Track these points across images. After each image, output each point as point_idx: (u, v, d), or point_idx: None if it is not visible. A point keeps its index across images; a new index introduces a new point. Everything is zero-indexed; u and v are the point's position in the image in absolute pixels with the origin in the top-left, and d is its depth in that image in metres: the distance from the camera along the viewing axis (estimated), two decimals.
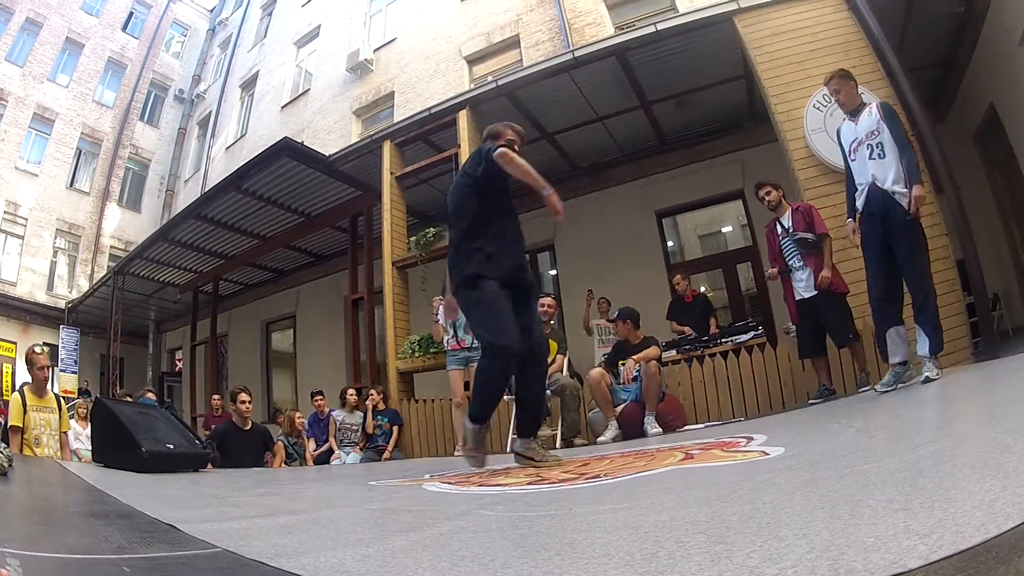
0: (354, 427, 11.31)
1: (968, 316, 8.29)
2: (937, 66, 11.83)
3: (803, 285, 7.60)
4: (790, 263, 7.74)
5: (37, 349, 7.67)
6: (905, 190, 5.88)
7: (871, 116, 6.21)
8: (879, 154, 6.04)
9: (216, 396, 14.54)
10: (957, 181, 8.59)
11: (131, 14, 31.12)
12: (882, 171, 6.00)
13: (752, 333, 9.31)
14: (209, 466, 7.40)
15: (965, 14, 10.51)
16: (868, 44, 9.22)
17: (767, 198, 7.94)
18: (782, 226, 7.83)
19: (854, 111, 6.41)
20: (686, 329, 10.31)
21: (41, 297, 25.24)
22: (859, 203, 6.20)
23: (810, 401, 7.52)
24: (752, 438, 4.39)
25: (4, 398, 17.02)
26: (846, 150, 6.44)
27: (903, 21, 9.74)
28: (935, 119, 9.14)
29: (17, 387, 7.88)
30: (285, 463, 10.53)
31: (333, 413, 11.75)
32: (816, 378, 7.70)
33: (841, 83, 6.45)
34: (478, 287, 4.82)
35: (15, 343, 23.65)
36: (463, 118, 11.93)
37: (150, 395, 12.50)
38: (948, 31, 11.39)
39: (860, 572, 1.09)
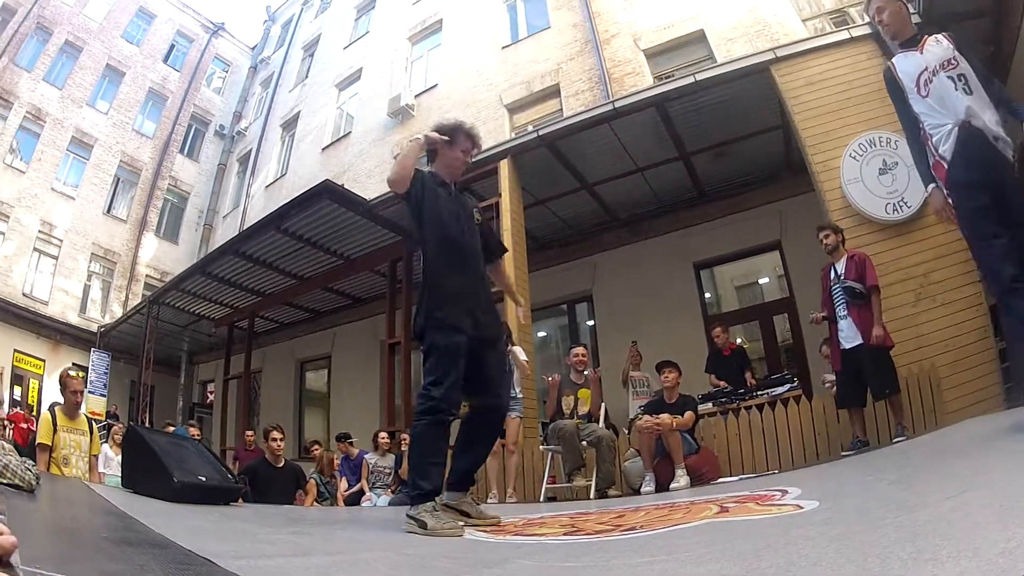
0: (386, 470, 11.34)
1: (1000, 362, 8.18)
2: None
3: (845, 335, 7.57)
4: (837, 310, 7.70)
5: (72, 372, 7.69)
6: (1009, 139, 4.38)
7: (940, 44, 4.59)
8: (965, 88, 4.45)
9: (250, 432, 14.50)
10: None
11: (172, 46, 31.69)
12: (979, 106, 4.38)
13: (788, 385, 9.27)
14: (240, 501, 7.39)
15: (995, 54, 10.47)
16: None
17: (825, 241, 7.91)
18: (835, 272, 7.78)
19: (908, 41, 4.77)
20: (723, 384, 10.30)
21: (73, 318, 25.47)
22: (944, 149, 4.46)
23: (843, 453, 7.48)
24: (787, 491, 4.37)
25: (32, 413, 17.15)
26: (910, 86, 4.66)
27: None
28: None
29: (48, 406, 7.90)
30: (316, 502, 10.52)
31: (365, 456, 11.80)
32: (851, 429, 7.63)
33: (887, 1, 4.75)
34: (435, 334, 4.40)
35: (44, 360, 23.88)
36: (504, 167, 11.98)
37: (192, 430, 12.56)
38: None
39: None
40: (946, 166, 4.44)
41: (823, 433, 8.32)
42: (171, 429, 12.51)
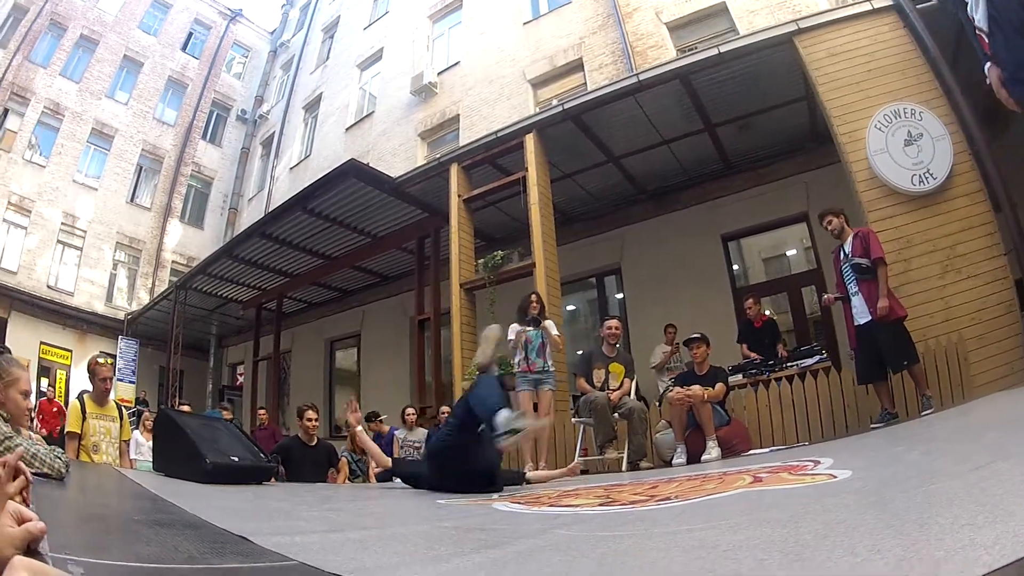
0: (416, 444, 11.41)
1: None
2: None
3: (857, 311, 7.60)
4: (848, 288, 7.73)
5: (100, 359, 7.55)
6: None
7: None
8: None
9: (262, 409, 14.41)
10: (1015, 199, 8.48)
11: (190, 35, 31.79)
12: None
13: (817, 357, 9.25)
14: (272, 480, 7.39)
15: None
16: (925, 62, 9.18)
17: (829, 227, 7.95)
18: (844, 252, 7.80)
19: None
20: (754, 355, 10.31)
21: (99, 308, 25.80)
22: (979, 17, 4.02)
23: (872, 425, 7.48)
24: (819, 462, 4.37)
25: (60, 402, 17.26)
26: None
27: (956, 37, 9.66)
28: (992, 136, 9.00)
29: (77, 394, 7.88)
30: (348, 479, 10.58)
31: (396, 432, 11.87)
32: (879, 402, 7.65)
33: None
34: None
35: (71, 351, 24.24)
36: (530, 141, 11.98)
37: (225, 413, 12.63)
38: None
39: None
40: (986, 39, 4.02)
41: (852, 405, 8.32)
42: (186, 408, 12.55)
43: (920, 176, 8.69)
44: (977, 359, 7.74)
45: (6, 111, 24.99)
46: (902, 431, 6.25)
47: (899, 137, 8.85)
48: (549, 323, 8.89)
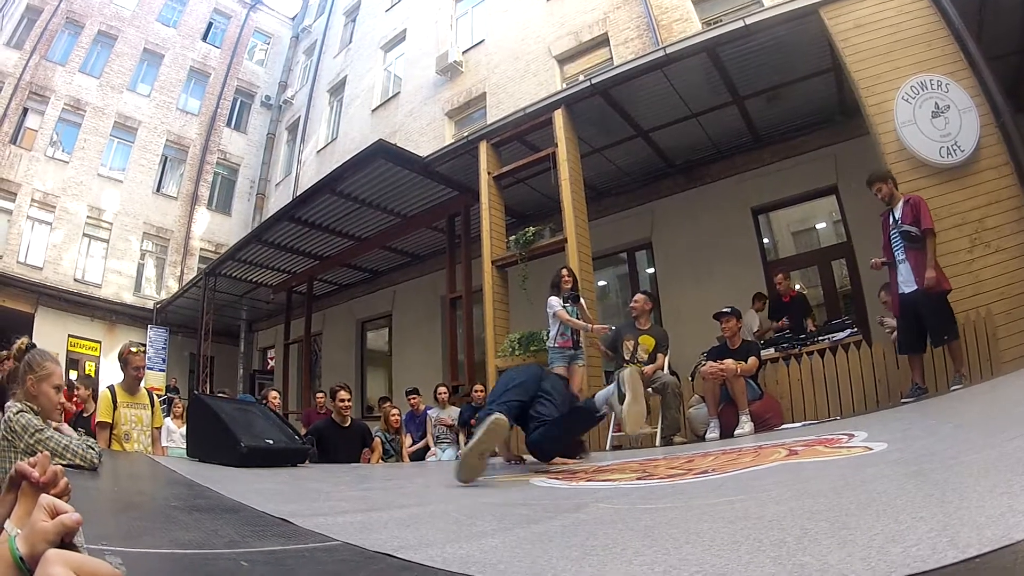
0: (448, 420, 11.52)
1: None
2: (1016, 54, 11.51)
3: (903, 279, 7.53)
4: (896, 255, 7.66)
5: (134, 349, 7.51)
6: None
7: None
8: None
9: (320, 393, 14.18)
10: None
11: (210, 24, 32.00)
12: None
13: (848, 331, 9.26)
14: (307, 462, 7.42)
15: None
16: (949, 34, 9.00)
17: (879, 195, 7.87)
18: (893, 217, 7.73)
19: None
20: (781, 323, 10.33)
21: (128, 298, 26.22)
22: None
23: (903, 400, 7.45)
24: (853, 435, 4.40)
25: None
26: None
27: (979, 9, 9.54)
28: (1017, 108, 8.91)
29: (107, 385, 7.85)
30: (382, 459, 10.63)
31: (429, 412, 11.97)
32: (909, 377, 7.63)
33: None
34: None
35: (100, 342, 24.74)
36: (559, 117, 11.93)
37: (272, 397, 12.72)
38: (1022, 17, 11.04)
39: (976, 546, 1.24)
40: None
41: (883, 380, 8.31)
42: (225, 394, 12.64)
43: (948, 148, 8.60)
44: (1005, 334, 7.68)
45: (26, 110, 25.35)
46: (932, 406, 6.26)
47: (926, 109, 8.77)
48: (582, 301, 8.93)
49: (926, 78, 8.89)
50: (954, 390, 6.98)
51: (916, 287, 7.34)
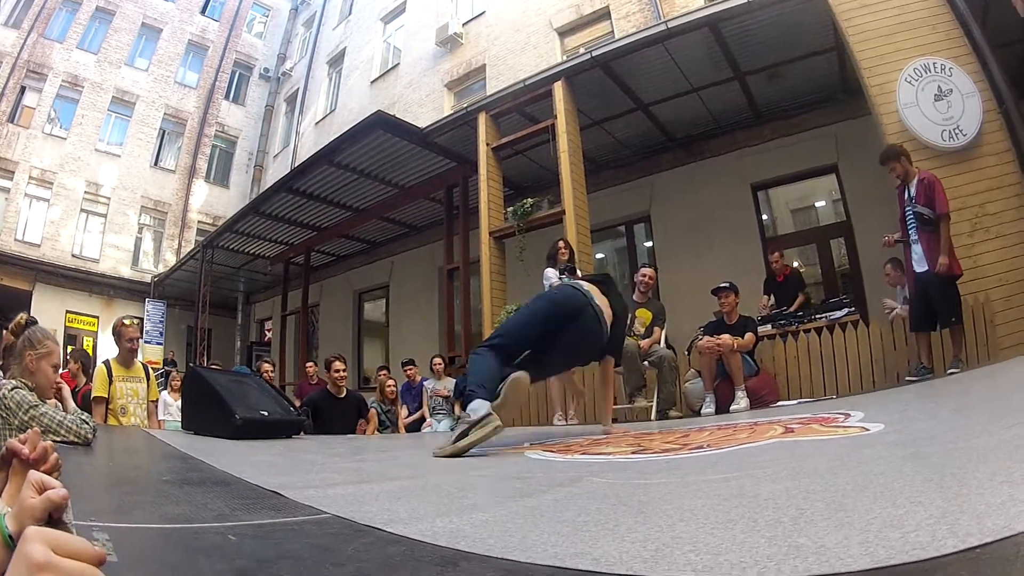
0: (444, 391, 11.54)
1: None
2: (1021, 42, 11.49)
3: (916, 258, 7.49)
4: (910, 233, 7.60)
5: (126, 321, 7.57)
6: None
7: None
8: None
9: (310, 364, 14.42)
10: None
11: None
12: None
13: (846, 310, 9.26)
14: (302, 433, 7.41)
15: None
16: (954, 18, 8.96)
17: (892, 174, 7.79)
18: (908, 193, 7.64)
19: None
20: (762, 302, 10.42)
21: (126, 272, 26.30)
22: None
23: (908, 379, 7.46)
24: (849, 415, 4.39)
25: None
26: None
27: None
28: (1020, 95, 8.89)
29: (103, 360, 7.80)
30: (378, 431, 10.63)
31: (425, 383, 11.99)
32: (909, 356, 7.64)
33: None
34: None
35: (97, 317, 24.81)
36: (558, 89, 11.94)
37: (266, 366, 12.73)
38: None
39: (976, 535, 1.22)
40: None
41: (880, 359, 8.33)
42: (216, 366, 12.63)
43: (950, 132, 8.56)
44: (1003, 321, 7.70)
45: (23, 89, 25.30)
46: (929, 388, 6.26)
47: (929, 92, 8.73)
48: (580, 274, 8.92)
49: (929, 61, 8.85)
50: (951, 374, 6.99)
51: (927, 268, 7.32)
